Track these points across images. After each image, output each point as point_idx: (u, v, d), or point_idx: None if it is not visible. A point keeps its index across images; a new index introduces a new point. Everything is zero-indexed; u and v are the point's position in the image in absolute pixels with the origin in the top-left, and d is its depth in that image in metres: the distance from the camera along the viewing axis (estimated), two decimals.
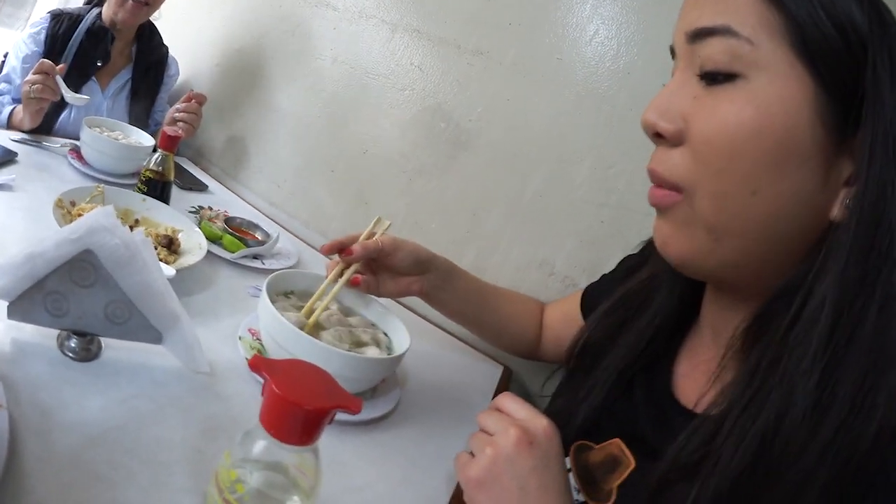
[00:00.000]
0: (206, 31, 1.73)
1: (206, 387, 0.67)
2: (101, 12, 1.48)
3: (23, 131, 1.29)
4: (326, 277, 0.82)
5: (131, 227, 0.92)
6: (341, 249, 0.81)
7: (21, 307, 0.61)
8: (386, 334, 0.85)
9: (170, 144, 1.07)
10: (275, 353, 0.72)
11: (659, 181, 0.53)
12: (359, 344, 0.78)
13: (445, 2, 1.30)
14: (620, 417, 0.62)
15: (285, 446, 0.42)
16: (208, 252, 0.97)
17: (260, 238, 1.16)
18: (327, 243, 0.82)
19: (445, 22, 1.29)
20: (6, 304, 0.60)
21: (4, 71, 1.47)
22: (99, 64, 1.48)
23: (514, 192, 1.19)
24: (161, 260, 0.87)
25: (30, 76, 1.21)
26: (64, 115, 1.45)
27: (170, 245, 0.90)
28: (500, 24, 1.22)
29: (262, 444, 0.43)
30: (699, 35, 0.50)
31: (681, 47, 0.53)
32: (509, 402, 0.60)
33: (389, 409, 0.78)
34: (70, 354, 0.64)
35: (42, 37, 1.44)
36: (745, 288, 0.55)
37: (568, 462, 0.62)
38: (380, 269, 0.87)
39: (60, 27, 1.44)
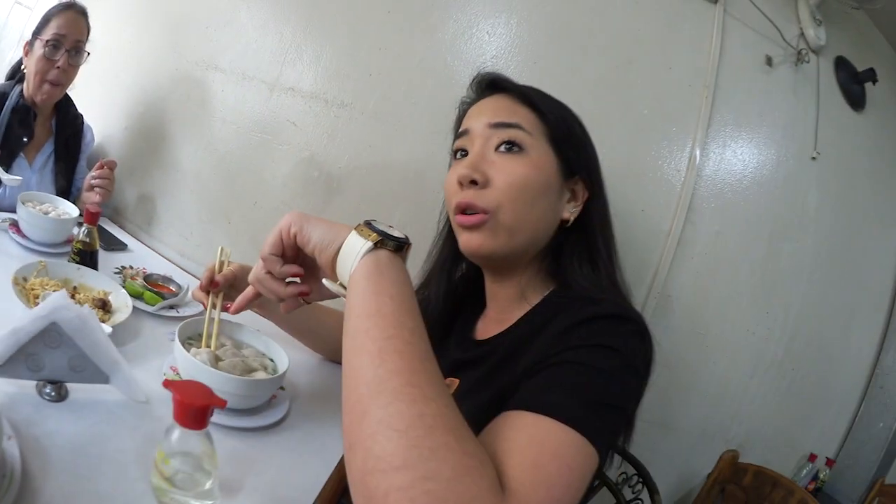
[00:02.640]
0: (115, 95, 1.96)
1: (146, 411, 0.97)
2: (23, 89, 1.68)
3: None
4: (205, 310, 1.15)
5: (72, 296, 1.22)
6: (212, 284, 1.15)
7: (8, 368, 0.88)
8: (272, 360, 1.17)
9: (93, 219, 1.35)
10: None
11: (474, 209, 0.93)
12: (250, 370, 1.09)
13: (314, 59, 1.59)
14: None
15: (188, 431, 0.75)
16: (134, 308, 1.25)
17: (174, 290, 1.46)
18: (202, 282, 1.15)
19: (314, 79, 1.58)
20: None
21: None
22: (25, 140, 1.68)
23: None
24: (100, 320, 1.17)
25: None
26: None
27: (104, 306, 1.19)
28: (361, 77, 1.54)
29: (176, 433, 0.75)
30: (500, 125, 0.96)
31: (482, 131, 0.97)
32: None
33: (280, 418, 1.09)
34: (48, 398, 0.91)
35: None
36: (516, 264, 0.99)
37: None
38: (233, 291, 1.17)
39: None
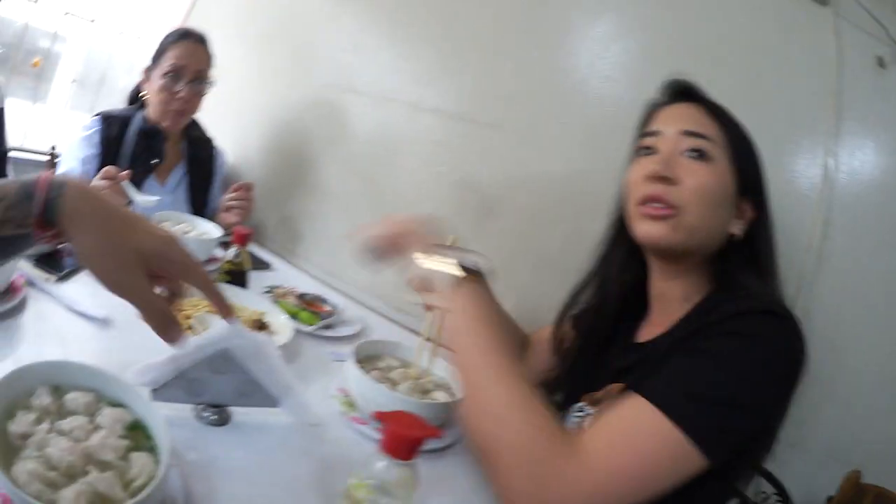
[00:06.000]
0: (245, 118, 1.86)
1: (316, 435, 0.86)
2: (146, 114, 1.55)
3: None
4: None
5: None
6: None
7: (164, 393, 0.76)
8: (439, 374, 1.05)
9: (243, 240, 1.25)
10: (364, 406, 0.92)
11: (662, 201, 0.89)
12: (425, 391, 0.97)
13: (455, 80, 1.45)
14: (602, 374, 0.98)
15: (398, 462, 0.63)
16: None
17: (328, 309, 1.33)
18: None
19: (458, 100, 1.44)
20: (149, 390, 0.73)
21: (61, 171, 1.49)
22: (156, 161, 1.54)
23: (541, 249, 1.34)
24: None
25: (96, 181, 1.25)
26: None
27: (262, 328, 1.05)
28: (508, 96, 1.39)
29: (383, 464, 0.63)
30: (692, 134, 0.91)
31: (673, 135, 0.92)
32: None
33: (457, 437, 0.95)
34: (207, 422, 0.80)
35: (97, 139, 1.48)
36: (685, 264, 0.94)
37: (592, 408, 0.95)
38: None
39: (112, 129, 1.49)
